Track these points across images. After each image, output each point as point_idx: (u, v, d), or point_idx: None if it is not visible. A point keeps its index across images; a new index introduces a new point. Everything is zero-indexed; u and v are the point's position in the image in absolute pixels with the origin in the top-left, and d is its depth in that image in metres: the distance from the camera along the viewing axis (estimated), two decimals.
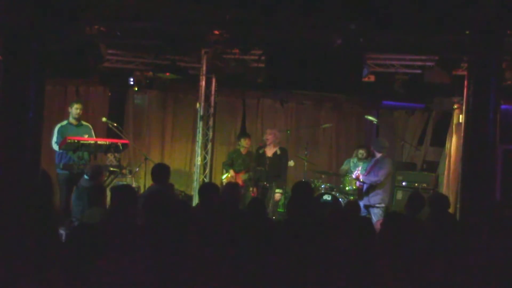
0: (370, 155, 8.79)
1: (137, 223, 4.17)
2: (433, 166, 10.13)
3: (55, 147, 7.80)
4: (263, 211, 5.09)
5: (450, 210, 5.97)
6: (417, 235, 3.88)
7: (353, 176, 8.37)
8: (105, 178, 7.45)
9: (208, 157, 9.85)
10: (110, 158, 7.72)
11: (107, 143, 7.75)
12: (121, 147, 7.79)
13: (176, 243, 3.59)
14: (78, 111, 8.03)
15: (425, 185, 9.45)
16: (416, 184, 9.46)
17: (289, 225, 4.50)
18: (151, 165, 6.89)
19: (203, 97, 9.62)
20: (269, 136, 8.64)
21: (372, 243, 3.87)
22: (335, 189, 9.06)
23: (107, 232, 3.52)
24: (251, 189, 8.42)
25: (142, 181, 9.39)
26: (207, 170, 9.84)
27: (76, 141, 7.47)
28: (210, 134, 9.83)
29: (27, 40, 6.08)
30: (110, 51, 8.73)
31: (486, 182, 6.48)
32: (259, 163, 8.52)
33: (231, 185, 5.64)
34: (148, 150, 10.18)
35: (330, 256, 3.76)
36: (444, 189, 9.44)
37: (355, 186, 8.48)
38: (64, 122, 8.04)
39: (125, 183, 8.04)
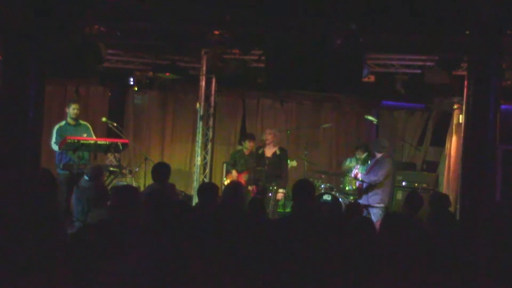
0: (368, 155, 8.80)
1: (139, 223, 4.17)
2: (433, 166, 10.14)
3: (55, 147, 7.80)
4: (263, 211, 5.09)
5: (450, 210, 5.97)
6: (416, 235, 3.88)
7: (352, 175, 8.37)
8: (105, 178, 7.45)
9: (208, 157, 9.85)
10: (110, 158, 7.71)
11: (107, 143, 7.74)
12: (121, 147, 7.79)
13: (176, 243, 3.58)
14: (76, 111, 8.02)
15: (425, 185, 9.45)
16: (416, 184, 9.46)
17: (291, 224, 4.50)
18: (151, 165, 6.89)
19: (203, 97, 9.63)
20: (268, 136, 8.63)
21: (372, 243, 3.87)
22: (335, 189, 9.06)
23: (110, 232, 3.52)
24: (250, 188, 8.42)
25: (142, 181, 9.39)
26: (207, 170, 9.85)
27: (76, 141, 7.47)
28: (210, 134, 9.83)
29: (27, 40, 6.08)
30: (110, 51, 8.74)
31: (486, 182, 6.47)
32: (258, 163, 8.52)
33: (234, 185, 5.63)
34: (148, 150, 10.18)
35: (330, 256, 3.76)
36: (444, 189, 9.45)
37: (355, 186, 8.48)
38: (62, 123, 8.03)
39: (125, 183, 8.04)
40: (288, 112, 11.01)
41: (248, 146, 8.80)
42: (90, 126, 8.21)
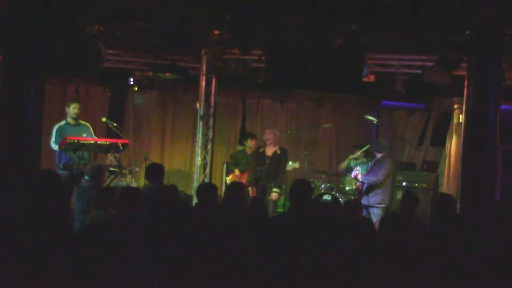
0: (367, 155, 8.79)
1: (140, 223, 4.17)
2: (433, 166, 10.13)
3: (54, 146, 7.79)
4: (264, 211, 5.08)
5: None
6: (415, 234, 3.88)
7: (352, 175, 8.37)
8: (105, 178, 7.44)
9: (208, 157, 9.85)
10: (110, 158, 7.70)
11: (107, 143, 7.74)
12: (121, 147, 7.78)
13: (176, 243, 3.59)
14: (76, 110, 8.01)
15: (425, 185, 9.44)
16: (416, 184, 9.46)
17: (288, 224, 4.49)
18: None
19: (203, 97, 9.62)
20: (269, 136, 8.63)
21: (372, 243, 3.87)
22: (335, 189, 9.05)
23: (111, 232, 3.52)
24: (250, 188, 8.42)
25: (142, 181, 9.39)
26: (207, 170, 9.84)
27: (76, 141, 7.46)
28: (210, 134, 9.83)
29: (27, 40, 6.09)
30: (110, 51, 8.74)
31: (486, 182, 6.48)
32: (259, 163, 8.52)
33: (236, 185, 5.63)
34: (148, 150, 10.18)
35: (326, 256, 3.76)
36: (444, 189, 9.44)
37: (355, 186, 8.47)
38: (62, 122, 8.02)
39: (125, 183, 8.04)
40: (288, 112, 11.01)
41: (250, 145, 8.79)
42: (90, 126, 8.20)
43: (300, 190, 4.86)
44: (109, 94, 10.36)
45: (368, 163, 8.35)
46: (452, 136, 9.67)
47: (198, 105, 9.67)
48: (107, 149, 7.70)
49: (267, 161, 8.50)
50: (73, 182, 7.16)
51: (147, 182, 6.62)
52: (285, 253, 3.79)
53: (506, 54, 7.08)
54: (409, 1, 6.43)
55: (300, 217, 4.53)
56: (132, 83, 9.48)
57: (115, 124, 8.45)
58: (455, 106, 9.50)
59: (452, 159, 9.55)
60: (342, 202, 8.57)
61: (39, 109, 6.38)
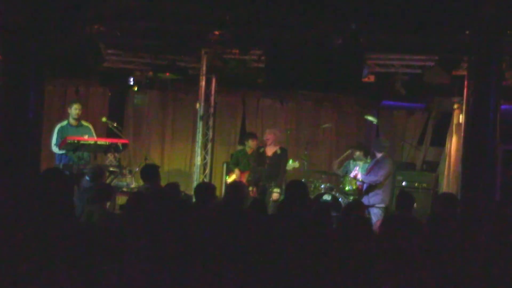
0: (366, 154, 8.79)
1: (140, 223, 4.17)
2: (433, 166, 10.13)
3: (55, 149, 7.78)
4: (265, 211, 5.08)
5: None
6: (414, 235, 3.87)
7: (351, 175, 8.37)
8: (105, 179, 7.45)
9: (208, 157, 9.84)
10: (110, 158, 7.71)
11: (107, 143, 7.74)
12: (121, 147, 7.78)
13: (175, 243, 3.59)
14: (77, 111, 8.01)
15: (425, 185, 9.45)
16: (416, 184, 9.46)
17: (279, 224, 4.49)
18: None
19: (203, 97, 9.62)
20: (269, 136, 8.63)
21: (370, 243, 3.87)
22: (335, 189, 9.04)
23: (112, 232, 3.52)
24: (251, 188, 8.42)
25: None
26: (207, 170, 9.84)
27: (76, 141, 7.46)
28: (210, 134, 9.82)
29: (27, 40, 6.09)
30: (110, 51, 8.73)
31: (486, 182, 6.48)
32: (259, 163, 8.52)
33: (236, 184, 5.62)
34: (148, 150, 10.18)
35: (329, 256, 3.76)
36: (444, 189, 9.44)
37: (355, 186, 8.47)
38: (64, 123, 8.02)
39: (125, 183, 8.04)
40: (288, 112, 11.00)
41: (251, 145, 8.79)
42: (91, 128, 8.20)
43: (295, 190, 4.86)
44: (109, 94, 10.35)
45: (367, 163, 8.35)
46: (452, 136, 9.67)
47: (198, 105, 9.66)
48: (107, 149, 7.70)
49: (267, 161, 8.50)
50: (73, 183, 7.16)
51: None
52: (280, 253, 3.79)
53: (506, 54, 7.08)
54: (409, 1, 6.44)
55: (295, 217, 4.52)
56: (132, 83, 9.46)
57: (115, 124, 8.45)
58: (455, 106, 9.49)
59: (452, 159, 9.54)
60: (342, 202, 8.57)
61: (39, 109, 6.39)
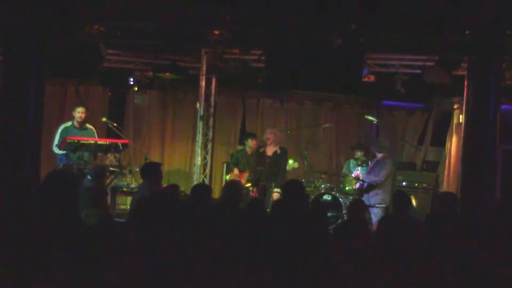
0: (367, 154, 8.78)
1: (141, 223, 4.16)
2: (433, 166, 10.13)
3: (56, 150, 7.77)
4: (264, 211, 5.08)
5: None
6: (411, 234, 3.87)
7: (353, 175, 8.37)
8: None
9: (208, 157, 9.85)
10: (110, 158, 7.71)
11: (107, 143, 7.74)
12: (121, 147, 7.78)
13: (174, 242, 3.59)
14: (80, 114, 7.99)
15: (425, 185, 9.45)
16: (416, 184, 9.46)
17: (274, 224, 4.49)
18: None
19: (203, 97, 9.63)
20: (270, 136, 8.64)
21: (367, 244, 3.87)
22: (335, 189, 9.05)
23: (113, 232, 3.52)
24: (251, 189, 8.42)
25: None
26: (207, 170, 9.85)
27: (76, 141, 7.46)
28: (210, 134, 9.83)
29: (27, 40, 6.09)
30: (110, 51, 8.74)
31: (486, 182, 6.48)
32: (259, 163, 8.52)
33: (232, 183, 5.62)
34: (148, 150, 10.18)
35: (325, 256, 3.76)
36: (444, 189, 9.44)
37: (355, 186, 8.47)
38: (68, 124, 8.01)
39: (125, 183, 8.04)
40: (288, 112, 11.01)
41: (251, 145, 8.80)
42: (95, 131, 8.19)
43: (292, 189, 4.86)
44: (109, 94, 10.36)
45: (368, 163, 8.35)
46: (452, 136, 9.68)
47: (198, 105, 9.67)
48: (107, 149, 7.70)
49: (267, 161, 8.50)
50: (78, 183, 7.15)
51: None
52: (276, 252, 3.78)
53: (506, 54, 7.08)
54: (409, 1, 6.44)
55: (291, 217, 4.52)
56: (132, 83, 9.47)
57: (115, 124, 8.45)
58: (455, 106, 9.50)
59: (452, 159, 9.55)
60: (342, 202, 8.58)
61: (39, 109, 6.40)
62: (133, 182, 8.22)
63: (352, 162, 9.27)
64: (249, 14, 6.98)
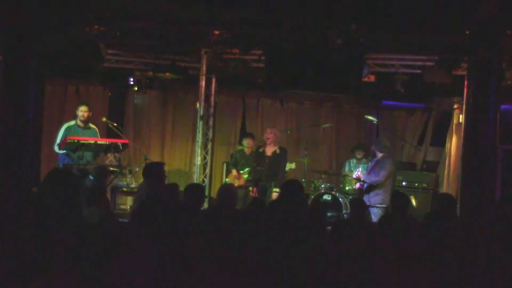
0: (367, 155, 8.77)
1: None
2: (433, 166, 10.13)
3: (56, 149, 7.76)
4: (264, 211, 5.08)
5: None
6: (409, 234, 3.87)
7: (354, 176, 8.36)
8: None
9: (208, 157, 9.85)
10: (110, 158, 7.70)
11: (107, 143, 7.73)
12: (121, 147, 7.78)
13: (175, 244, 3.59)
14: (83, 113, 7.96)
15: (425, 185, 9.44)
16: (416, 184, 9.46)
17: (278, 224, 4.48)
18: None
19: (203, 97, 9.62)
20: (269, 135, 8.64)
21: (367, 244, 3.87)
22: (335, 189, 9.05)
23: (113, 232, 3.52)
24: (251, 189, 8.42)
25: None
26: (207, 170, 9.84)
27: (76, 141, 7.45)
28: (210, 134, 9.83)
29: (27, 40, 6.09)
30: (110, 51, 8.73)
31: (486, 182, 6.49)
32: (258, 163, 8.52)
33: (226, 186, 5.64)
34: (148, 150, 10.18)
35: (322, 255, 3.75)
36: (444, 189, 9.44)
37: (355, 186, 8.47)
38: (72, 123, 7.98)
39: (125, 183, 8.04)
40: (288, 112, 11.01)
41: (247, 144, 8.81)
42: (97, 131, 8.18)
43: (290, 189, 4.86)
44: (109, 94, 10.35)
45: (368, 163, 8.35)
46: (452, 136, 9.67)
47: (198, 105, 9.67)
48: (107, 149, 7.70)
49: (267, 161, 8.51)
50: (80, 183, 7.14)
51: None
52: (275, 252, 3.78)
53: (506, 54, 7.09)
54: (409, 1, 6.44)
55: (289, 216, 4.52)
56: (132, 83, 9.47)
57: (115, 124, 8.45)
58: (455, 106, 9.50)
59: (452, 159, 9.55)
60: (342, 202, 8.58)
61: (39, 109, 6.40)
62: (133, 182, 8.22)
63: (352, 161, 9.27)
64: (249, 14, 6.99)
